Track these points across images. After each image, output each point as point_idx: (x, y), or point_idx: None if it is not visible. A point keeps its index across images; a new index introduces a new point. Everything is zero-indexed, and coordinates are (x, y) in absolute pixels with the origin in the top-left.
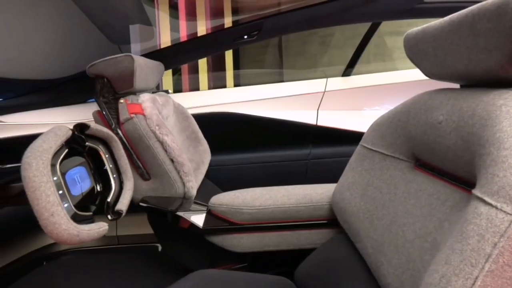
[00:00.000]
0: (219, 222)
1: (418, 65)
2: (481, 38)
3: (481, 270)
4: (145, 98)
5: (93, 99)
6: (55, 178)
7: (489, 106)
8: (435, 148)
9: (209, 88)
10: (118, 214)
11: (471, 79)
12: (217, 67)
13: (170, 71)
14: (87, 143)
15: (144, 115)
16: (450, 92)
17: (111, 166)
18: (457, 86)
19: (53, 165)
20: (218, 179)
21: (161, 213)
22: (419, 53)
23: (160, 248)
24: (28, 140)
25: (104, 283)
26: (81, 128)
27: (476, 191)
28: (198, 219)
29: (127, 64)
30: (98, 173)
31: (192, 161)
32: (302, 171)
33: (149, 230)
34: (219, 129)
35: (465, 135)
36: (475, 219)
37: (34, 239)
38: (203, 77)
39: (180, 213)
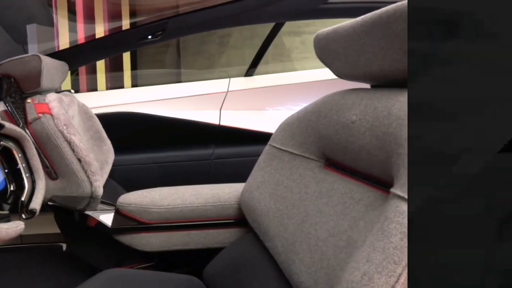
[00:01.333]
0: (128, 221)
1: (328, 65)
2: (396, 38)
3: (404, 268)
4: (51, 98)
5: None
6: None
7: (406, 106)
8: (348, 148)
9: (107, 89)
10: (32, 213)
11: (384, 79)
12: (114, 67)
13: None
14: (1, 142)
15: (51, 114)
16: (362, 92)
17: (23, 165)
18: (366, 86)
19: None
20: (122, 178)
21: (69, 212)
22: (330, 53)
23: (64, 247)
24: None
25: (6, 283)
26: None
27: (396, 190)
28: (107, 218)
29: (35, 64)
30: (11, 172)
31: (97, 160)
32: (205, 171)
33: (53, 229)
34: (122, 128)
35: (381, 135)
36: (397, 218)
37: None
38: (101, 77)
39: (88, 212)
